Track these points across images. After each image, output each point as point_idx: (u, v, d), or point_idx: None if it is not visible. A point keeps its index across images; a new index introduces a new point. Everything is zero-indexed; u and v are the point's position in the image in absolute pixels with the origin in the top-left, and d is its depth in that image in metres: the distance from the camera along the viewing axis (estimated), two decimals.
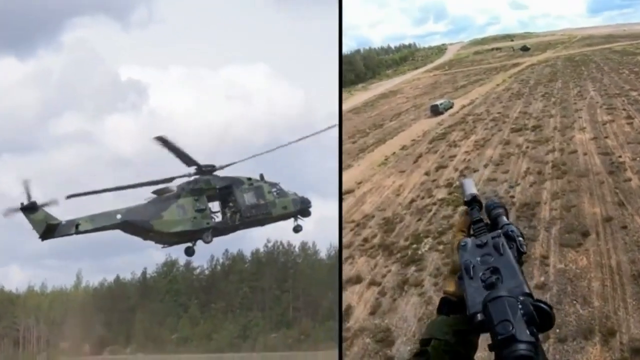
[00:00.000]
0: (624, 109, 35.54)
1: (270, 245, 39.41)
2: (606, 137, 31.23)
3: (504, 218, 2.51)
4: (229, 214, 25.11)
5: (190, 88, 54.57)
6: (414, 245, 21.28)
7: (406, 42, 64.40)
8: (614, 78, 44.79)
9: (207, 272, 39.68)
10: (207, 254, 38.14)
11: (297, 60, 55.69)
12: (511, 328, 1.78)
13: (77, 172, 47.32)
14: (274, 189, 25.69)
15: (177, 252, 25.99)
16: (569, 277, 18.69)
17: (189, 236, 24.65)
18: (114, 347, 37.55)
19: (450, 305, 2.35)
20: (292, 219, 26.24)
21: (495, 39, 63.30)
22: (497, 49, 62.92)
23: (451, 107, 43.16)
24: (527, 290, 1.99)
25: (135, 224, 23.74)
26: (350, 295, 19.58)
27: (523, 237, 2.34)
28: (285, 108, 53.87)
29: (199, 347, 35.26)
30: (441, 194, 26.26)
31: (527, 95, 45.87)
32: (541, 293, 17.95)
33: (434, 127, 38.83)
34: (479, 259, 2.18)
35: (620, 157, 27.24)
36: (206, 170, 24.98)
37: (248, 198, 24.81)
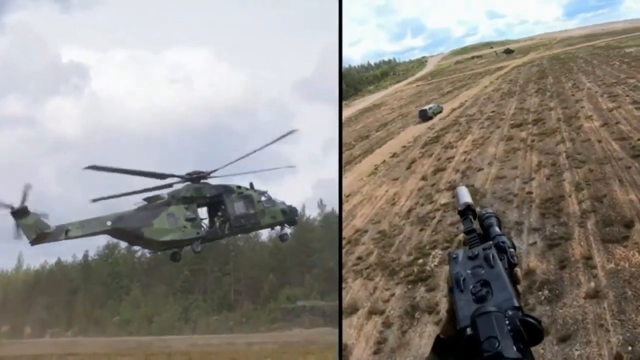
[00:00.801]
0: (627, 96, 33.05)
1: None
2: (617, 123, 28.46)
3: (496, 228, 2.35)
4: (218, 223, 24.38)
5: (133, 71, 52.30)
6: (420, 260, 16.58)
7: (386, 59, 61.94)
8: (607, 69, 41.78)
9: (148, 255, 37.97)
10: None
11: (240, 44, 52.78)
12: (497, 345, 1.71)
13: (18, 155, 44.86)
14: (263, 198, 24.70)
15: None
16: (625, 278, 14.07)
17: (178, 245, 24.07)
18: (55, 330, 36.84)
19: (445, 346, 2.25)
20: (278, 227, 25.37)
21: (475, 47, 61.25)
22: (477, 56, 60.50)
23: (440, 112, 39.31)
24: (516, 304, 1.86)
25: (126, 231, 23.12)
26: (346, 330, 14.76)
27: (515, 248, 2.20)
28: (228, 92, 51.91)
29: (141, 330, 34.64)
30: (444, 198, 21.68)
31: (519, 93, 42.64)
32: (596, 303, 13.27)
33: (425, 131, 34.58)
34: (469, 271, 2.06)
35: (639, 140, 24.20)
36: (196, 177, 24.21)
37: (238, 207, 24.20)
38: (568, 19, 44.60)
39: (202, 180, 24.42)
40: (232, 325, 30.84)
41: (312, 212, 41.15)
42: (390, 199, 22.47)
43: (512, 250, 2.17)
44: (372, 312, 14.71)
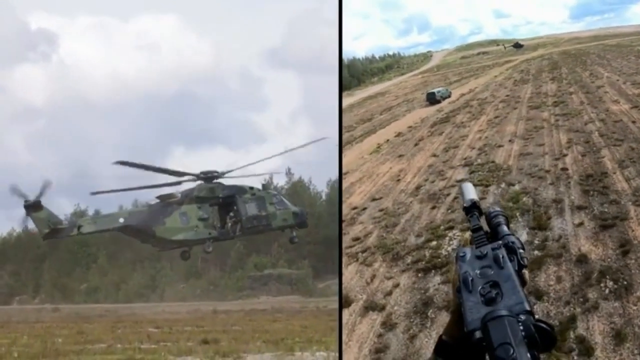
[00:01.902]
0: None
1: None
2: None
3: (505, 228, 2.15)
4: (229, 224, 23.75)
5: (100, 38, 49.82)
6: (433, 243, 12.35)
7: (390, 53, 58.89)
8: (623, 62, 37.61)
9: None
10: (116, 204, 36.64)
11: (208, 11, 49.43)
12: (512, 352, 1.53)
13: None
14: (275, 200, 24.11)
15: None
16: None
17: (190, 245, 23.53)
18: (22, 297, 36.01)
19: (449, 349, 2.07)
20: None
21: (481, 44, 57.54)
22: (484, 52, 56.72)
23: (449, 96, 35.03)
24: (528, 308, 1.67)
25: (138, 229, 22.70)
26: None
27: (524, 249, 2.01)
28: (195, 59, 49.15)
29: (108, 297, 33.98)
30: (459, 174, 17.48)
31: (533, 81, 38.50)
32: None
33: (433, 113, 30.37)
34: (478, 271, 1.88)
35: None
36: (209, 177, 23.64)
37: (250, 209, 23.61)
38: (574, 21, 42.96)
39: (215, 180, 23.78)
40: (199, 293, 29.60)
41: (280, 181, 39.51)
42: (394, 176, 18.24)
43: (521, 251, 1.96)
44: (368, 308, 10.48)
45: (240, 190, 23.83)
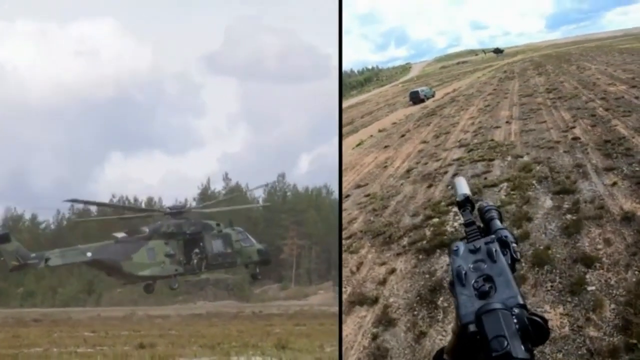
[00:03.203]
0: None
1: (116, 200, 36.75)
2: None
3: (498, 222, 2.12)
4: (195, 260, 23.52)
5: (39, 43, 48.42)
6: (434, 220, 9.74)
7: (369, 67, 57.79)
8: (607, 57, 35.81)
9: (53, 227, 37.15)
10: (53, 208, 36.22)
11: (146, 17, 48.95)
12: (506, 344, 1.50)
13: None
14: (241, 237, 23.90)
15: None
16: None
17: (156, 280, 23.56)
18: None
19: None
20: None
21: (459, 54, 56.22)
22: (463, 62, 55.29)
23: (433, 96, 32.80)
24: (522, 302, 1.64)
25: (105, 263, 22.81)
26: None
27: (517, 243, 1.97)
28: (133, 64, 48.62)
29: (45, 302, 33.30)
30: (455, 154, 14.89)
31: (519, 77, 36.55)
32: None
33: (418, 110, 28.02)
34: (471, 265, 1.83)
35: None
36: (175, 212, 23.85)
37: (216, 245, 23.57)
38: (551, 30, 43.16)
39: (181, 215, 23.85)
40: (136, 298, 28.13)
41: (217, 186, 39.17)
42: (380, 164, 15.69)
43: (514, 245, 1.93)
44: (354, 302, 7.78)
45: (206, 227, 23.98)
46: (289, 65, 48.35)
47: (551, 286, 6.55)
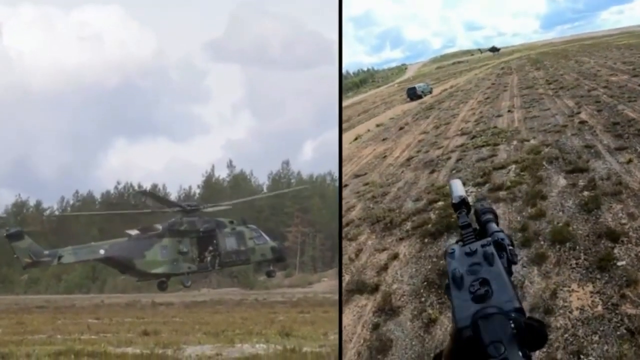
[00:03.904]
0: None
1: (120, 187, 36.82)
2: None
3: (494, 225, 2.11)
4: (208, 258, 23.50)
5: (43, 28, 47.96)
6: (439, 203, 9.00)
7: (364, 69, 57.40)
8: (606, 52, 35.12)
9: (57, 213, 36.74)
10: (57, 194, 36.43)
11: (149, 2, 48.06)
12: (503, 350, 1.50)
13: None
14: (254, 235, 23.73)
15: None
16: None
17: (169, 277, 23.46)
18: None
19: None
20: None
21: (455, 55, 55.92)
22: (459, 62, 54.94)
23: (430, 93, 32.17)
24: (518, 306, 1.64)
25: (118, 260, 22.85)
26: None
27: (513, 246, 1.96)
28: (138, 51, 47.75)
29: (49, 289, 33.34)
30: (457, 142, 14.18)
31: (518, 72, 35.90)
32: None
33: (416, 106, 27.36)
34: (467, 268, 1.80)
35: None
36: (190, 210, 23.70)
37: (230, 243, 23.43)
38: (546, 31, 42.89)
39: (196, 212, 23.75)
40: (139, 285, 27.77)
41: (222, 173, 38.66)
42: (379, 155, 15.02)
43: (511, 247, 1.92)
44: (353, 291, 7.05)
45: (220, 224, 23.79)
46: (293, 51, 47.81)
47: (576, 263, 5.88)
